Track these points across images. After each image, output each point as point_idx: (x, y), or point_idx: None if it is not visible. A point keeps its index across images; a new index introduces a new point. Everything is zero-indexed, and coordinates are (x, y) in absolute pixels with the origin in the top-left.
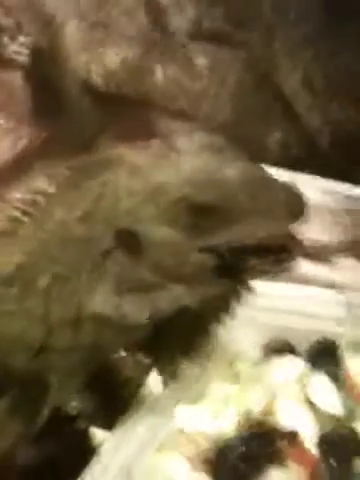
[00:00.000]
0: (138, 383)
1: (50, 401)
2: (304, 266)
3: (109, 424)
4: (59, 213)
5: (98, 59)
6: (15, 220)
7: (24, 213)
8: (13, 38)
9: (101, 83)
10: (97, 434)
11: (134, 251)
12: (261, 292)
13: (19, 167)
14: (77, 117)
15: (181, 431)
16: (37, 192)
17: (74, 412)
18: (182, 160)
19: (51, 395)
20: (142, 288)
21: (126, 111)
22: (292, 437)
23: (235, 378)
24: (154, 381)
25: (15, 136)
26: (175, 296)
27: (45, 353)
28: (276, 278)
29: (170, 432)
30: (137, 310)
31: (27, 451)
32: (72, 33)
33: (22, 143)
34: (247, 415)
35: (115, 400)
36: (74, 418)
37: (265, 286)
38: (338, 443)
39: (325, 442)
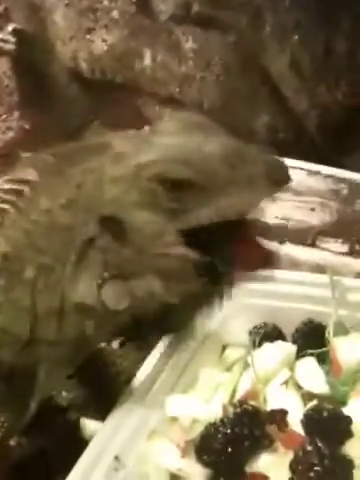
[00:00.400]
0: (129, 374)
1: (37, 394)
2: (291, 249)
3: (100, 415)
4: (44, 202)
5: (86, 46)
6: (1, 211)
7: (10, 204)
8: (1, 26)
9: (89, 70)
10: (88, 425)
11: (119, 237)
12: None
13: (6, 157)
14: (65, 105)
15: (172, 419)
16: (23, 182)
17: (65, 403)
18: (161, 139)
19: (38, 388)
20: (122, 276)
21: (115, 98)
22: (280, 420)
23: (226, 365)
24: (145, 371)
25: (3, 125)
26: (150, 289)
27: (32, 345)
28: None
29: (161, 420)
30: (116, 298)
31: (19, 443)
32: (60, 20)
33: (10, 133)
34: (234, 400)
35: (106, 391)
36: (65, 409)
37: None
38: (324, 424)
39: (311, 424)
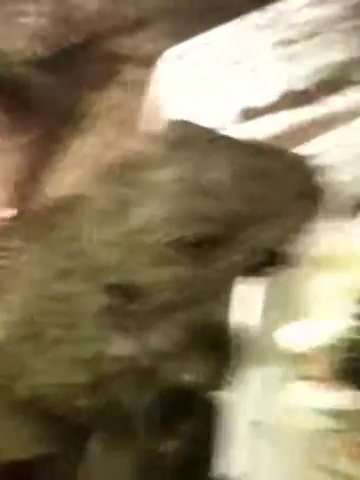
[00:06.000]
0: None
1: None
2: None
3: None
4: (37, 272)
5: (25, 30)
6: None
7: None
8: None
9: (42, 49)
10: (219, 396)
11: (133, 298)
12: None
13: None
14: (44, 94)
15: (300, 357)
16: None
17: (191, 385)
18: (146, 177)
19: (131, 412)
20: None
21: (83, 57)
22: None
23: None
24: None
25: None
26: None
27: (100, 385)
28: None
29: (289, 364)
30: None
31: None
32: None
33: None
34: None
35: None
36: (194, 391)
37: None
38: None
39: None
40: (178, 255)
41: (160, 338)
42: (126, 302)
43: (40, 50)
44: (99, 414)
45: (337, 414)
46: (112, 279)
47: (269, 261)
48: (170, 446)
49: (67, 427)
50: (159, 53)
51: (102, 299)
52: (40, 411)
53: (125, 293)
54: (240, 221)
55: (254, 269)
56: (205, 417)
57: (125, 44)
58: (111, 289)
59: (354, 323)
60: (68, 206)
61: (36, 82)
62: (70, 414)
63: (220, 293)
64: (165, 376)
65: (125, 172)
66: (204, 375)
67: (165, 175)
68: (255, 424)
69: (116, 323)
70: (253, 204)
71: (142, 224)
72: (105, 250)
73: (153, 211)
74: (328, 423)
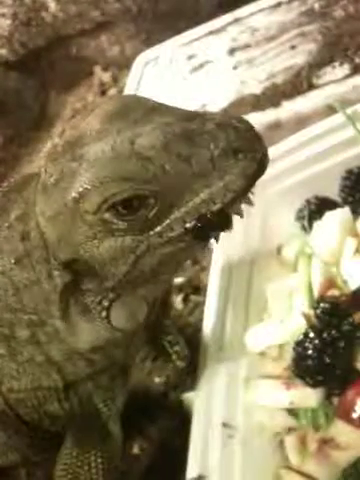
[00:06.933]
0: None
1: (112, 418)
2: (291, 106)
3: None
4: None
5: None
6: None
7: None
8: None
9: (9, 52)
10: (189, 397)
11: (90, 274)
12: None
13: None
14: (13, 98)
15: (260, 355)
16: None
17: (162, 388)
18: (88, 150)
19: (106, 413)
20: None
21: (49, 60)
22: None
23: (290, 266)
24: (210, 319)
25: None
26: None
27: (72, 387)
28: None
29: (250, 363)
30: (125, 318)
31: (141, 448)
32: None
33: None
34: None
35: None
36: (164, 393)
37: None
38: None
39: None
40: (113, 219)
41: (124, 319)
42: (82, 279)
43: (5, 52)
44: (72, 417)
45: (295, 412)
46: (63, 255)
47: (209, 224)
48: (143, 448)
49: (40, 433)
50: (125, 56)
51: (60, 278)
52: (12, 418)
53: (78, 270)
54: (171, 180)
55: (195, 233)
56: (177, 419)
57: (90, 46)
58: (65, 267)
59: (304, 322)
60: (19, 186)
61: (3, 84)
62: (43, 420)
63: (169, 264)
64: (136, 375)
65: (69, 148)
66: (172, 374)
67: (101, 147)
68: (225, 425)
69: (77, 304)
70: (184, 163)
71: (79, 192)
72: (52, 223)
73: (88, 179)
74: (289, 421)
